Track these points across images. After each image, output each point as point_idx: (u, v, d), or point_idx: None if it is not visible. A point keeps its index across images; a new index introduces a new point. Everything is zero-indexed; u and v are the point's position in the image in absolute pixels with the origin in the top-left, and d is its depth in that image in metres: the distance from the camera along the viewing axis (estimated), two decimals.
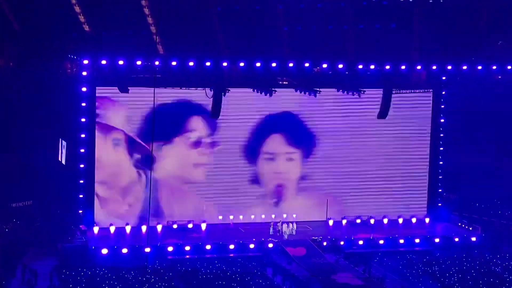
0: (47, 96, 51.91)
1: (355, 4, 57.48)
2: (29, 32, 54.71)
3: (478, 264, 47.84)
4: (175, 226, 51.85)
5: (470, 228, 53.74)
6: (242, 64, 50.63)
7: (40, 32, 54.21)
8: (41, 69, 53.26)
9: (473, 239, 52.03)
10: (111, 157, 51.40)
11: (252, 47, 54.56)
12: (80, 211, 50.51)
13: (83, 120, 50.07)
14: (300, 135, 54.32)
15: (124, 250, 47.25)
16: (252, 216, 53.26)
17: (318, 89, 51.80)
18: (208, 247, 48.83)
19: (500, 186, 56.55)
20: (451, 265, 47.58)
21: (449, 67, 53.20)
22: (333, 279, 45.60)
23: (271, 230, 51.73)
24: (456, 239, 51.95)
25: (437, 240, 51.89)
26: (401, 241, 51.87)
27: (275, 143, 54.14)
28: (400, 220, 55.13)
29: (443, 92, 55.17)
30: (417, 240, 51.98)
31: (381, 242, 51.46)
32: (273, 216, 53.30)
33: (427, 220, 55.58)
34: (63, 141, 53.16)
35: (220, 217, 53.08)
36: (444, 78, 54.73)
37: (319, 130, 54.33)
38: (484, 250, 50.26)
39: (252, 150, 53.82)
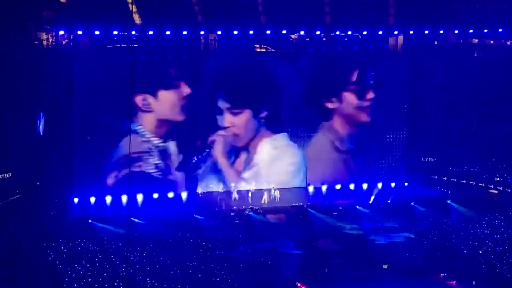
0: (23, 68, 51.42)
1: None
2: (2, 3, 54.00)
3: (458, 227, 48.46)
4: (155, 195, 51.93)
5: (449, 192, 54.31)
6: (219, 32, 50.56)
7: (14, 2, 53.49)
8: (16, 41, 52.65)
9: (451, 202, 52.71)
10: (90, 128, 51.18)
11: (229, 15, 54.29)
12: (60, 183, 50.40)
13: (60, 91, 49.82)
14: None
15: (105, 221, 47.44)
16: (232, 184, 53.33)
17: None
18: (189, 216, 49.00)
19: (478, 150, 56.90)
20: (431, 228, 48.22)
21: (426, 32, 53.39)
22: (313, 245, 46.06)
23: (249, 198, 52.06)
24: (435, 203, 52.47)
25: (415, 203, 52.41)
26: (381, 206, 52.51)
27: None
28: (379, 185, 55.54)
29: (418, 56, 55.35)
30: (396, 205, 52.62)
31: (360, 207, 52.05)
32: (253, 183, 53.54)
33: (405, 184, 55.99)
34: (41, 112, 52.85)
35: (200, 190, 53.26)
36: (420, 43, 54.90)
37: (297, 95, 54.36)
38: (462, 213, 50.84)
39: None
